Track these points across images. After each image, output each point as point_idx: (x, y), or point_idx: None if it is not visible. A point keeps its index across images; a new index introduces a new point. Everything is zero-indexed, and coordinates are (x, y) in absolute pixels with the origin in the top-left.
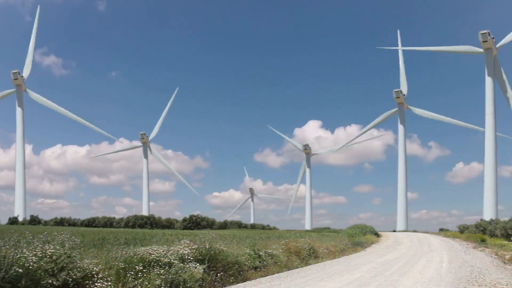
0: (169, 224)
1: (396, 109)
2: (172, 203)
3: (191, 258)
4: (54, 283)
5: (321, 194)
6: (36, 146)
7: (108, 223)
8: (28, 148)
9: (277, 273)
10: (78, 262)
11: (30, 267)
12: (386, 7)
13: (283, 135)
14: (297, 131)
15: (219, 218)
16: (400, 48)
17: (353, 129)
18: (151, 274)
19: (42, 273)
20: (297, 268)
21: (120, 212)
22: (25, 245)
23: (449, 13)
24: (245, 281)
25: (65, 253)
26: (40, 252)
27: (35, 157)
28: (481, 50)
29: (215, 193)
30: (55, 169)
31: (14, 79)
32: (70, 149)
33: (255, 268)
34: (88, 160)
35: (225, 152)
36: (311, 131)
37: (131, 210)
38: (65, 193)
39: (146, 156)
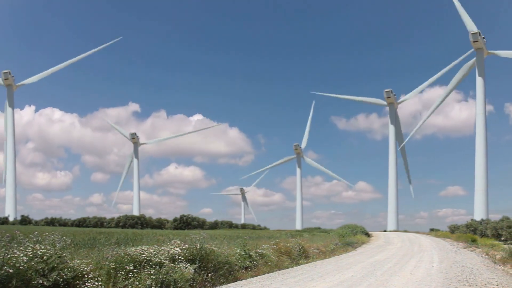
0: (159, 224)
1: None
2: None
3: (182, 258)
4: (45, 283)
5: (364, 186)
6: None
7: (99, 223)
8: (30, 109)
9: (268, 273)
10: (69, 262)
11: (21, 267)
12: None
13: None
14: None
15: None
16: None
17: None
18: (142, 274)
19: (32, 273)
20: (288, 268)
21: (122, 210)
22: (15, 245)
23: (441, 14)
24: (236, 281)
25: (56, 253)
26: (30, 252)
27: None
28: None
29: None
30: (50, 146)
31: (5, 79)
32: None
33: (246, 268)
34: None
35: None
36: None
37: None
38: (65, 186)
39: (136, 156)
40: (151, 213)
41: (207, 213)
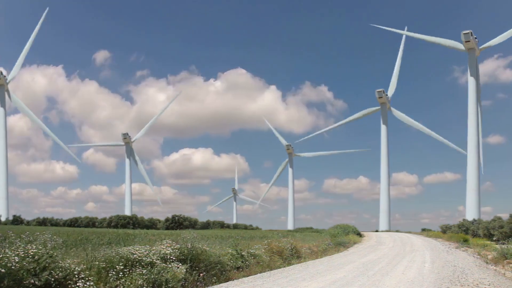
0: (151, 224)
1: (377, 107)
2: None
3: (174, 258)
4: (36, 283)
5: (403, 177)
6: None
7: (91, 223)
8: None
9: (260, 273)
10: (60, 262)
11: (13, 267)
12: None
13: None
14: None
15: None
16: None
17: None
18: (133, 274)
19: (24, 273)
20: (280, 268)
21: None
22: (7, 245)
23: (434, 13)
24: (228, 281)
25: (47, 253)
26: (22, 252)
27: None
28: (463, 48)
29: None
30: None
31: None
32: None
33: (238, 268)
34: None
35: None
36: None
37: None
38: (64, 178)
39: (128, 156)
40: (158, 211)
41: (215, 212)
